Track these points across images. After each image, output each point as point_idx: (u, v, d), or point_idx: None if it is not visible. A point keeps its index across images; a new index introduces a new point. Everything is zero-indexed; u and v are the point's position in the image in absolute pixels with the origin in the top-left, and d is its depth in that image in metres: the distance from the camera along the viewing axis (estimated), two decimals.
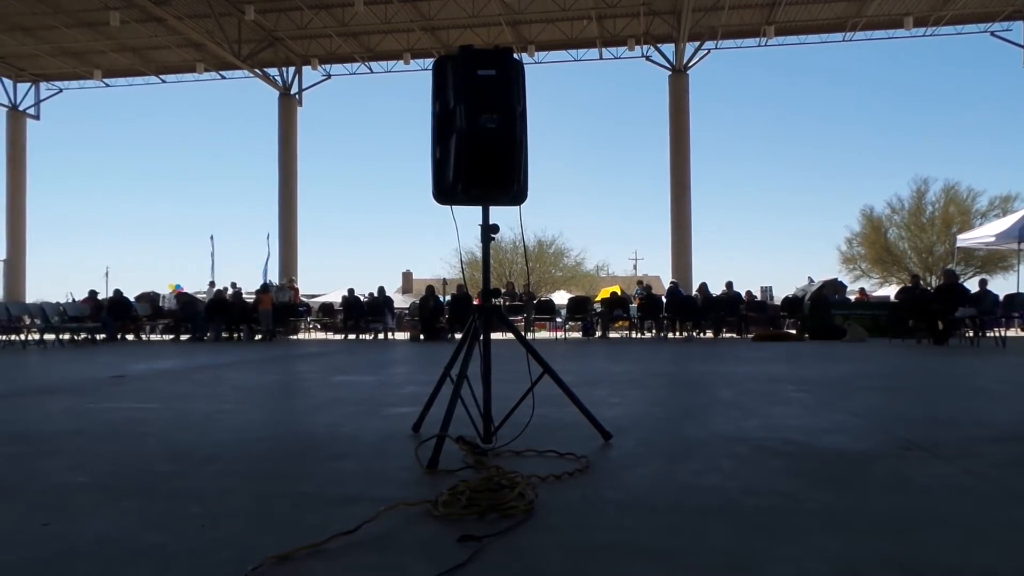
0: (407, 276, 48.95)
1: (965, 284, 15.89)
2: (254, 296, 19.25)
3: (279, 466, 2.77)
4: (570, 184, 76.50)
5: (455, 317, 16.26)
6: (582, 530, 1.88)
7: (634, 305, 18.16)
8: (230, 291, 19.94)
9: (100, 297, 19.32)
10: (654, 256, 73.15)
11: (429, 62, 23.17)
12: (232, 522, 1.98)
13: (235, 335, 17.46)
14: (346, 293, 19.57)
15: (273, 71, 26.97)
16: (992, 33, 23.37)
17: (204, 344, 15.64)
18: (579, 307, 18.36)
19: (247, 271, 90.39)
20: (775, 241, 73.68)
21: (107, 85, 28.47)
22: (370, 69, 27.15)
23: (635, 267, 55.83)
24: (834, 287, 18.52)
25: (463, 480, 2.27)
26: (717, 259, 72.55)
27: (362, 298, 19.27)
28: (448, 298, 17.99)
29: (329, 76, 27.60)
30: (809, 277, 19.38)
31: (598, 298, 20.96)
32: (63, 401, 4.98)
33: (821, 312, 16.47)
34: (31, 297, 26.01)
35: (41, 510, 2.11)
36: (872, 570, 1.57)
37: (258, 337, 17.55)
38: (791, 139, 70.49)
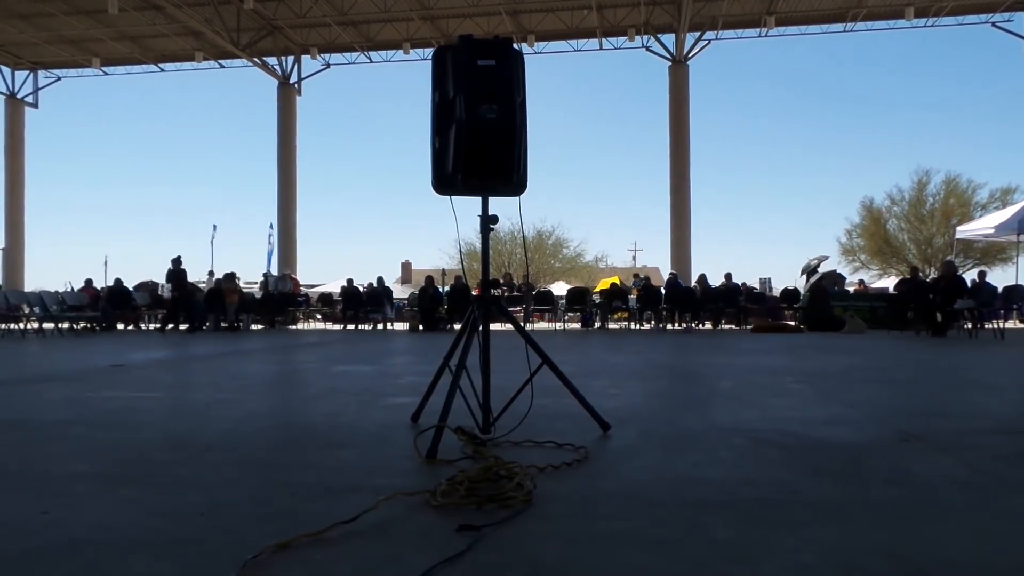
0: (406, 266, 48.83)
1: (964, 276, 15.89)
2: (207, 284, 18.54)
3: (278, 455, 2.77)
4: (570, 175, 76.30)
5: (454, 307, 16.26)
6: (580, 520, 1.88)
7: (633, 296, 18.17)
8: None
9: (97, 286, 19.32)
10: (653, 247, 73.29)
11: (429, 52, 23.14)
12: (231, 511, 1.98)
13: (234, 325, 17.45)
14: (345, 283, 19.57)
15: (272, 60, 26.88)
16: (993, 24, 23.30)
17: (203, 334, 15.63)
18: (578, 298, 18.36)
19: (246, 261, 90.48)
20: (774, 232, 73.63)
21: (106, 73, 28.39)
22: (369, 59, 27.07)
23: (634, 258, 55.70)
24: (833, 279, 18.53)
25: (462, 470, 2.27)
26: (716, 250, 72.43)
27: (361, 288, 19.26)
28: (447, 288, 17.99)
29: (328, 65, 27.53)
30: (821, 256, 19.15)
31: (597, 289, 20.96)
32: (63, 390, 4.98)
33: (820, 304, 16.47)
34: (30, 286, 26.00)
35: (41, 498, 2.11)
36: (870, 562, 1.57)
37: (205, 327, 16.83)
38: (791, 130, 70.30)
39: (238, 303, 17.56)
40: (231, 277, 17.93)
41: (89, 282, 19.01)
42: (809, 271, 17.86)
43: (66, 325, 15.50)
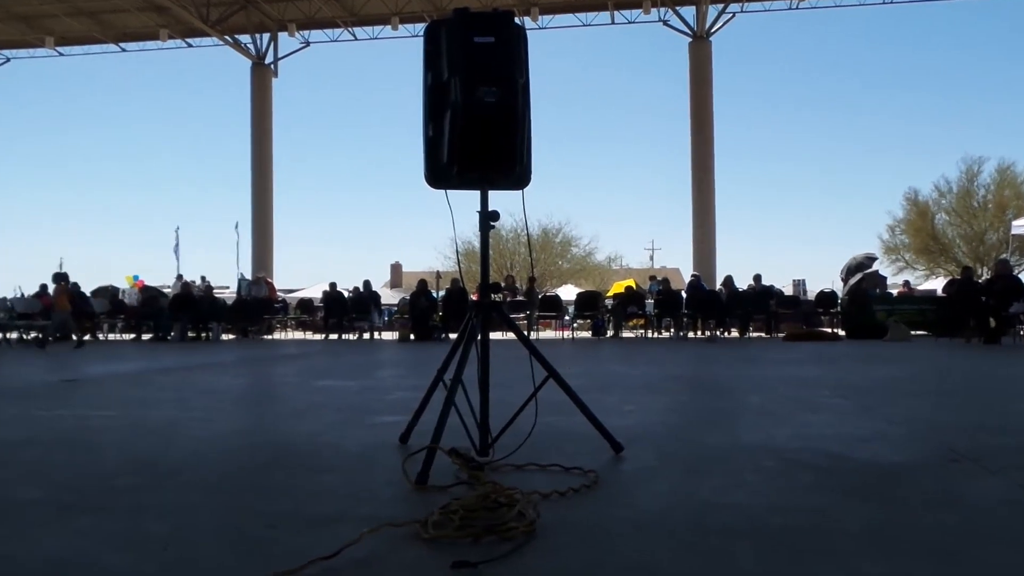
0: (396, 269, 49.02)
1: (1021, 276, 15.86)
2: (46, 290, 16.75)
3: (252, 480, 2.77)
4: (579, 166, 76.44)
5: (450, 315, 16.28)
6: (590, 553, 1.88)
7: (650, 301, 18.18)
8: (198, 284, 19.98)
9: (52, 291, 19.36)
10: (673, 246, 73.62)
11: (420, 27, 23.18)
12: (199, 543, 1.99)
13: (203, 335, 17.49)
14: (327, 288, 19.60)
15: (245, 38, 26.97)
16: None
17: (168, 344, 15.67)
18: (588, 303, 18.37)
19: (217, 263, 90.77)
20: (809, 229, 73.70)
21: (60, 54, 28.48)
22: (354, 36, 27.16)
23: (652, 258, 55.94)
24: (874, 280, 18.53)
25: (456, 498, 2.27)
26: (744, 249, 72.57)
27: (346, 293, 19.29)
28: (442, 293, 18.01)
29: (308, 43, 27.63)
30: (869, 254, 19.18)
31: (610, 293, 20.97)
32: (11, 407, 4.99)
33: (860, 308, 16.47)
34: None
35: None
36: None
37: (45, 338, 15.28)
38: (826, 115, 70.39)
39: (75, 313, 15.77)
40: (59, 278, 15.99)
41: (44, 288, 19.03)
42: (853, 268, 17.86)
43: (15, 335, 15.53)
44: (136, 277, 25.19)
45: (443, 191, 3.08)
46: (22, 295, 18.69)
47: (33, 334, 15.97)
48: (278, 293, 23.06)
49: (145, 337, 18.06)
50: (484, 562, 1.77)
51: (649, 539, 2.00)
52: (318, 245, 75.88)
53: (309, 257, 73.20)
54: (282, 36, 27.04)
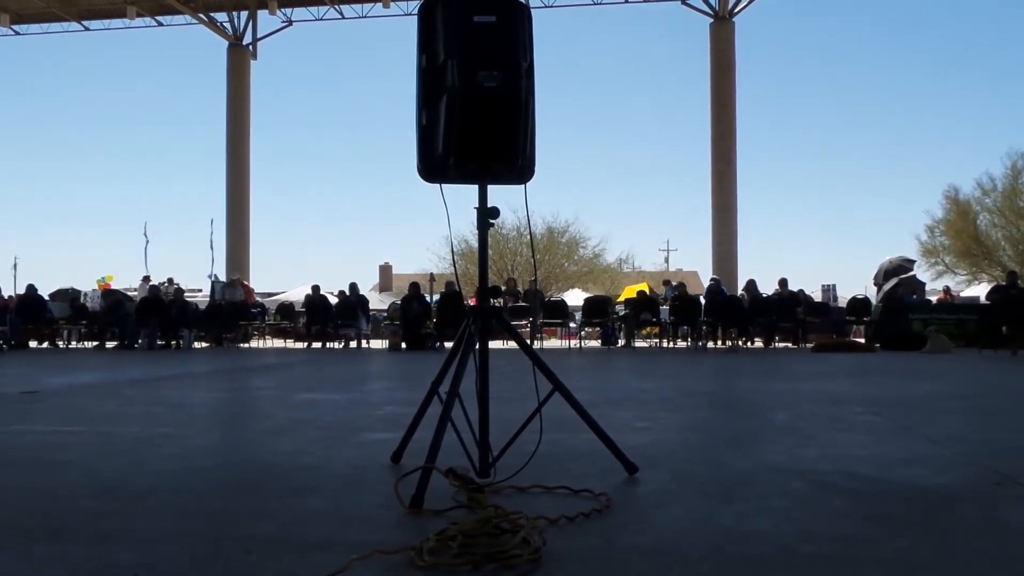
0: (386, 270, 49.07)
1: None
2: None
3: (229, 503, 2.78)
4: (588, 158, 76.44)
5: (445, 321, 16.29)
6: None
7: (665, 307, 18.19)
8: (166, 286, 20.01)
9: (5, 294, 19.38)
10: (691, 247, 73.66)
11: (414, 5, 23.20)
12: (170, 571, 1.99)
13: (173, 342, 17.50)
14: (310, 291, 19.61)
15: (221, 16, 26.98)
16: None
17: (136, 353, 15.67)
18: (597, 309, 18.37)
19: (187, 264, 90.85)
20: (840, 230, 73.68)
21: (16, 33, 28.49)
22: (341, 14, 27.19)
23: (667, 260, 56.06)
24: (911, 286, 18.55)
25: (454, 522, 2.27)
26: (768, 251, 72.49)
27: (330, 297, 19.30)
28: (436, 297, 18.03)
29: (290, 22, 27.64)
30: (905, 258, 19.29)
31: (621, 298, 21.00)
32: None
33: (896, 317, 16.47)
34: None
35: None
36: None
37: None
38: (859, 106, 70.37)
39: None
40: None
41: None
42: (889, 272, 17.86)
43: None
44: (101, 279, 25.18)
45: (438, 185, 3.08)
46: None
47: None
48: (255, 297, 23.07)
49: (109, 345, 18.07)
50: None
51: (665, 569, 2.00)
52: (299, 244, 75.95)
53: (290, 257, 73.27)
54: (262, 14, 27.03)
